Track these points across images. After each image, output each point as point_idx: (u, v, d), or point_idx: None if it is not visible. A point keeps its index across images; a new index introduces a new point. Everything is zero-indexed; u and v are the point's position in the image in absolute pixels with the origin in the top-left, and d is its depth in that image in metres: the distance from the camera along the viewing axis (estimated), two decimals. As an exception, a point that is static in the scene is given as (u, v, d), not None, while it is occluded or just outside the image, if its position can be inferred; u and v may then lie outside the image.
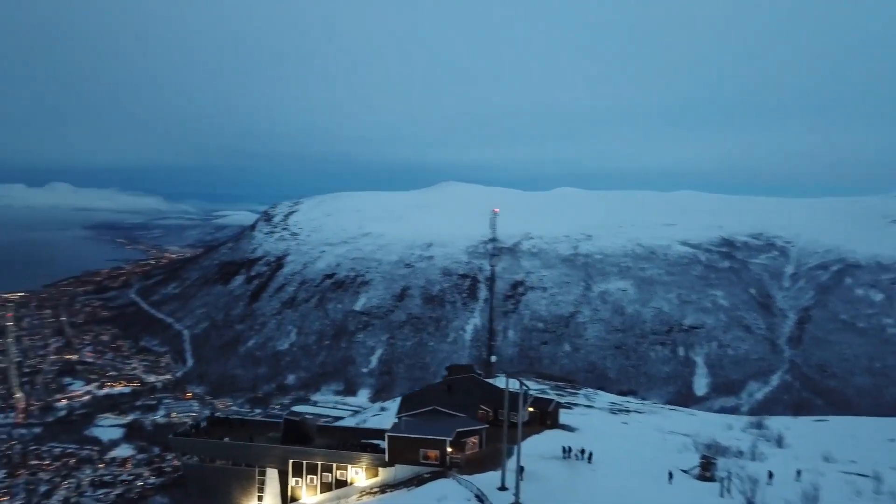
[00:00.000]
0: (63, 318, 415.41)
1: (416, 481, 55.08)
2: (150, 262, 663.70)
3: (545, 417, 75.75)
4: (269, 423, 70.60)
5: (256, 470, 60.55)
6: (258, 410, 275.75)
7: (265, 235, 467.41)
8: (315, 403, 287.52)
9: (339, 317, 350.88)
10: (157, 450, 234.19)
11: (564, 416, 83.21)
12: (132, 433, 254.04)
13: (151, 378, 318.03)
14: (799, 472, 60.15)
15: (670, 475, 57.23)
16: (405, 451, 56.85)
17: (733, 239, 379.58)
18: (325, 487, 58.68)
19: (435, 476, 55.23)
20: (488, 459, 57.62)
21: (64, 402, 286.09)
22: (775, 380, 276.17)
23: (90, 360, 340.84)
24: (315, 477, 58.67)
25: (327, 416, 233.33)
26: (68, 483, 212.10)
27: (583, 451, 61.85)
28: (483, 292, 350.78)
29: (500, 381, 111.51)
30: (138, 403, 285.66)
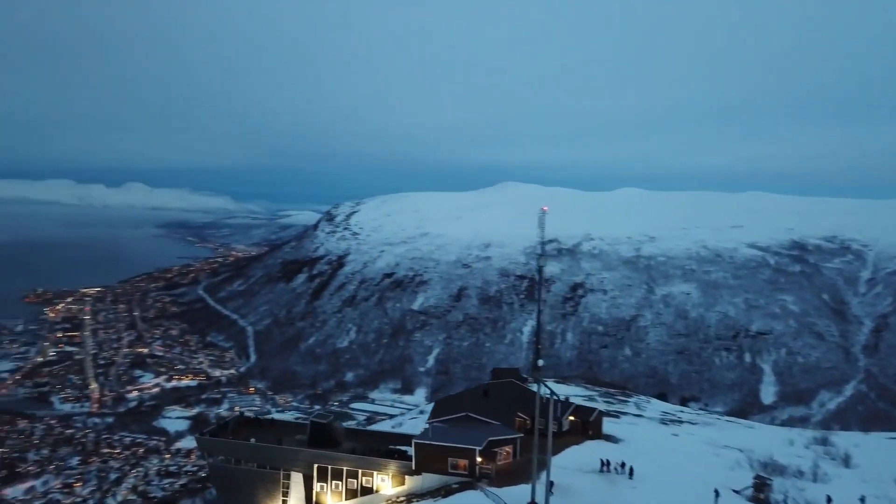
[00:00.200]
0: (136, 313, 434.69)
1: (443, 492, 53.13)
2: (218, 259, 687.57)
3: (587, 427, 72.13)
4: (299, 425, 69.70)
5: (281, 473, 59.87)
6: (317, 407, 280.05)
7: (327, 235, 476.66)
8: (373, 401, 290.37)
9: (398, 316, 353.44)
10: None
11: (610, 426, 79.51)
12: (197, 425, 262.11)
13: (216, 372, 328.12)
14: (863, 500, 55.01)
15: (717, 494, 53.36)
16: (433, 460, 54.91)
17: (805, 242, 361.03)
18: (351, 494, 57.49)
19: (463, 487, 53.10)
20: (521, 471, 55.07)
21: (135, 393, 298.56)
22: (849, 390, 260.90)
23: (160, 353, 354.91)
24: (340, 483, 57.59)
25: (383, 414, 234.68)
26: (136, 472, 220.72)
27: (623, 465, 58.58)
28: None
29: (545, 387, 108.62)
30: (203, 397, 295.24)
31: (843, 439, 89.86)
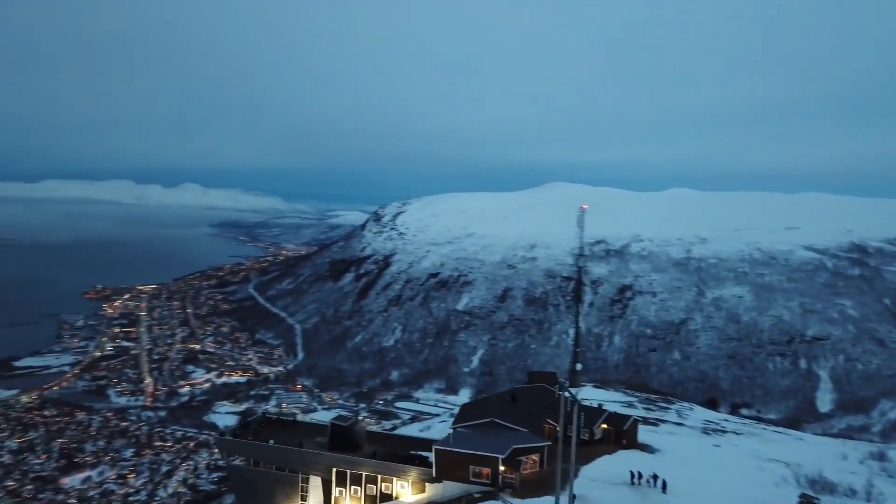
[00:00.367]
0: (189, 310, 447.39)
1: (463, 501, 51.53)
2: (268, 258, 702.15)
3: (621, 436, 69.26)
4: (321, 427, 68.86)
5: (300, 476, 58.98)
6: (362, 405, 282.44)
7: (374, 235, 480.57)
8: (417, 400, 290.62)
9: (443, 315, 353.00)
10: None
11: (646, 436, 76.43)
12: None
13: (265, 369, 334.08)
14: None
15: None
16: (454, 467, 53.15)
17: (865, 244, 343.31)
18: (370, 500, 56.32)
19: (484, 497, 51.33)
20: (547, 481, 52.92)
21: (186, 388, 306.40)
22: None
23: (211, 349, 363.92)
24: (359, 488, 56.49)
25: (427, 414, 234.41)
26: (187, 465, 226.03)
27: (655, 478, 55.57)
28: (588, 295, 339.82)
29: (583, 392, 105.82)
30: (252, 393, 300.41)
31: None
